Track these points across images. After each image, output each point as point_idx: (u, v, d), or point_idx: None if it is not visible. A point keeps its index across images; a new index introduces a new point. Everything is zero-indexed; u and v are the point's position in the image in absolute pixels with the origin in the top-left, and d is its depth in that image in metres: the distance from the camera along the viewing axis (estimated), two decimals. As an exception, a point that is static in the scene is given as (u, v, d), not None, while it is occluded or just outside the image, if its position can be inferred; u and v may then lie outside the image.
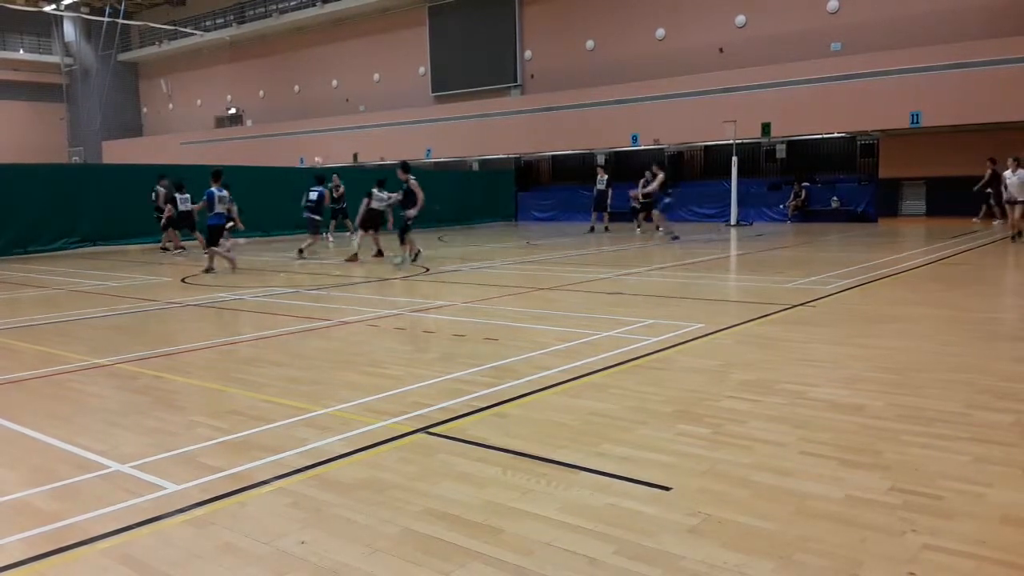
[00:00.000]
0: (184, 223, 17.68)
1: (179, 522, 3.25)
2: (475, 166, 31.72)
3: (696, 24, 26.45)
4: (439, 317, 8.35)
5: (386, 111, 33.05)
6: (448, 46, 32.45)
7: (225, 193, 13.37)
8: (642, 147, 26.29)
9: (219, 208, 13.26)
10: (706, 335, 6.91)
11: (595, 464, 3.78)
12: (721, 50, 25.74)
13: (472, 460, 3.90)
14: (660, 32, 27.25)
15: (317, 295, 10.56)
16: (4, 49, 42.10)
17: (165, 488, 3.60)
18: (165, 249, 18.61)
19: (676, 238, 18.29)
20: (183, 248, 18.27)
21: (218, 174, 13.47)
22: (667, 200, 19.63)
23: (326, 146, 33.54)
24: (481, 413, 4.70)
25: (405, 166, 13.79)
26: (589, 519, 3.16)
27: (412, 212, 13.54)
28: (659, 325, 7.42)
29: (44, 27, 43.13)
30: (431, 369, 5.90)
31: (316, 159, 32.90)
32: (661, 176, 19.09)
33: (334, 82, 36.59)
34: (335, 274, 13.13)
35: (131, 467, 3.88)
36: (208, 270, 13.25)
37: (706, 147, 26.87)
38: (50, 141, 42.97)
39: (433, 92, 33.07)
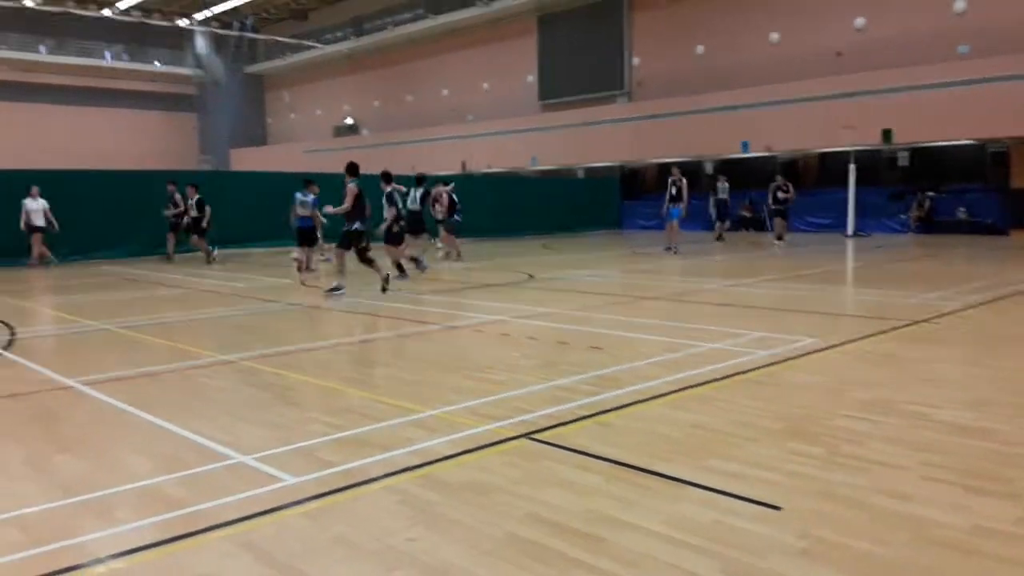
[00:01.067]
0: (194, 229, 17.40)
1: (296, 513, 3.42)
2: (580, 173, 31.72)
3: (812, 27, 25.55)
4: (543, 324, 8.41)
5: (494, 119, 33.54)
6: (556, 54, 32.65)
7: (309, 198, 14.07)
8: (753, 154, 25.58)
9: (301, 212, 14.17)
10: (820, 350, 6.66)
11: (701, 478, 3.72)
12: (839, 54, 24.75)
13: (575, 468, 3.91)
14: (774, 36, 26.47)
15: (426, 300, 10.82)
16: (142, 61, 45.26)
17: (284, 480, 3.79)
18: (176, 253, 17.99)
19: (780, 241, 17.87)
20: (212, 256, 17.43)
21: (309, 182, 14.26)
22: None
23: (436, 155, 34.37)
24: (584, 421, 4.71)
25: (387, 176, 13.09)
26: (694, 534, 3.12)
27: (336, 215, 11.85)
28: (770, 339, 7.20)
29: (178, 41, 46.11)
30: (535, 375, 5.96)
31: (414, 168, 33.75)
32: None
33: (444, 91, 37.43)
34: (445, 279, 13.41)
35: (253, 459, 4.11)
36: (306, 269, 13.84)
37: (822, 154, 25.89)
38: (182, 148, 45.85)
39: (540, 100, 33.32)
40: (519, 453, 4.18)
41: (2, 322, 9.03)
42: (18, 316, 9.63)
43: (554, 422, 4.68)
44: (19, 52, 40.67)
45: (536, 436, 4.42)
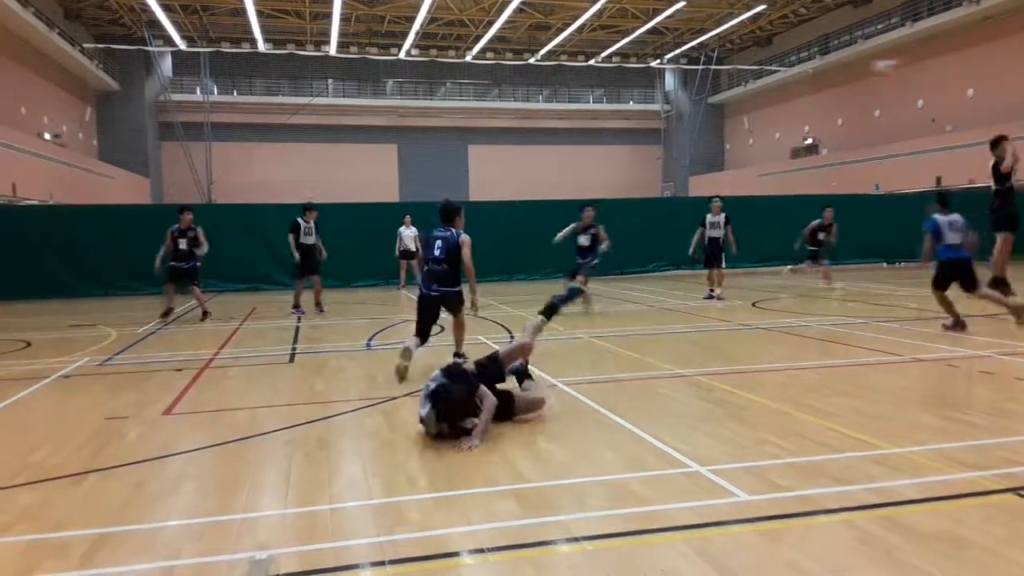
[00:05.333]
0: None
1: (749, 530, 3.50)
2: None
3: None
4: (1044, 367, 7.10)
5: (980, 128, 29.22)
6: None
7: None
8: None
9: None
10: None
11: None
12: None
13: (1084, 539, 3.28)
14: None
15: (888, 327, 9.95)
16: (618, 102, 49.99)
17: (737, 496, 3.90)
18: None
19: None
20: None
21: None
22: None
23: (903, 170, 31.24)
24: (1100, 487, 3.90)
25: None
26: None
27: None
28: None
29: (649, 80, 49.85)
30: (1030, 425, 5.10)
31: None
32: None
33: (919, 103, 33.88)
34: (910, 307, 12.16)
35: (708, 470, 4.31)
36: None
37: None
38: (646, 178, 49.28)
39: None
40: (1004, 509, 3.66)
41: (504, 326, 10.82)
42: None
43: (1055, 482, 3.97)
44: (522, 103, 48.24)
45: (1028, 494, 3.81)
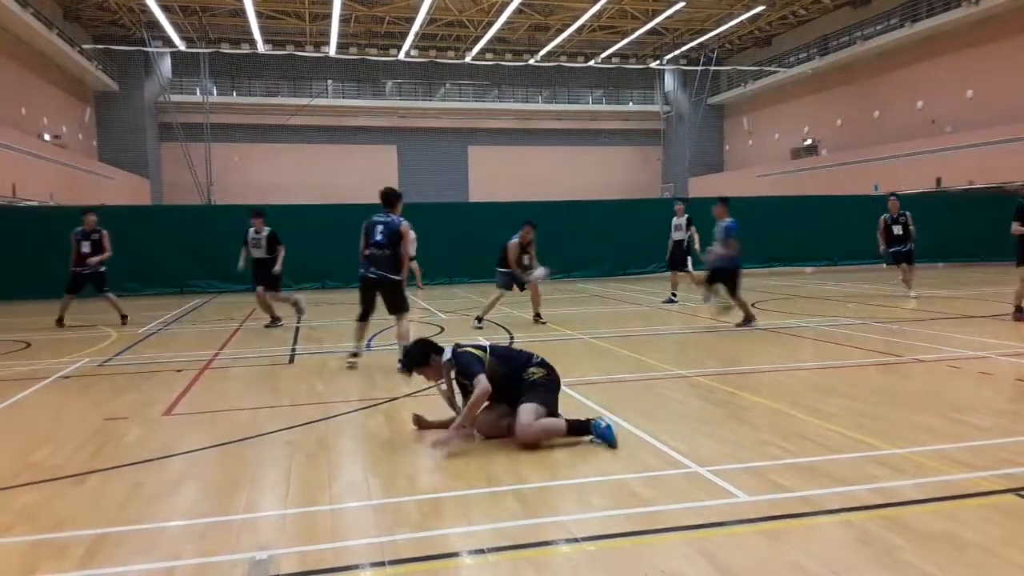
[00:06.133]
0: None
1: (750, 531, 3.50)
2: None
3: None
4: (1044, 368, 7.11)
5: (980, 129, 29.25)
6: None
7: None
8: None
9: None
10: None
11: None
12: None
13: (1085, 540, 3.28)
14: None
15: (887, 328, 9.96)
16: (618, 103, 50.00)
17: (737, 496, 3.90)
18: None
19: None
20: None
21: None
22: None
23: (903, 171, 31.28)
24: (1100, 487, 3.90)
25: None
26: None
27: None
28: None
29: (648, 81, 49.84)
30: (1030, 426, 5.10)
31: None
32: None
33: (919, 103, 33.92)
34: (907, 308, 12.18)
35: (708, 470, 4.31)
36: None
37: None
38: (645, 180, 49.27)
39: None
40: (1003, 510, 3.66)
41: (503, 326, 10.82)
42: (511, 325, 11.43)
43: (1055, 482, 3.97)
44: (522, 104, 48.21)
45: (1027, 494, 3.82)
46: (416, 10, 34.39)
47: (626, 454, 4.71)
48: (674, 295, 14.26)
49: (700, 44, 43.58)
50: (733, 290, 10.39)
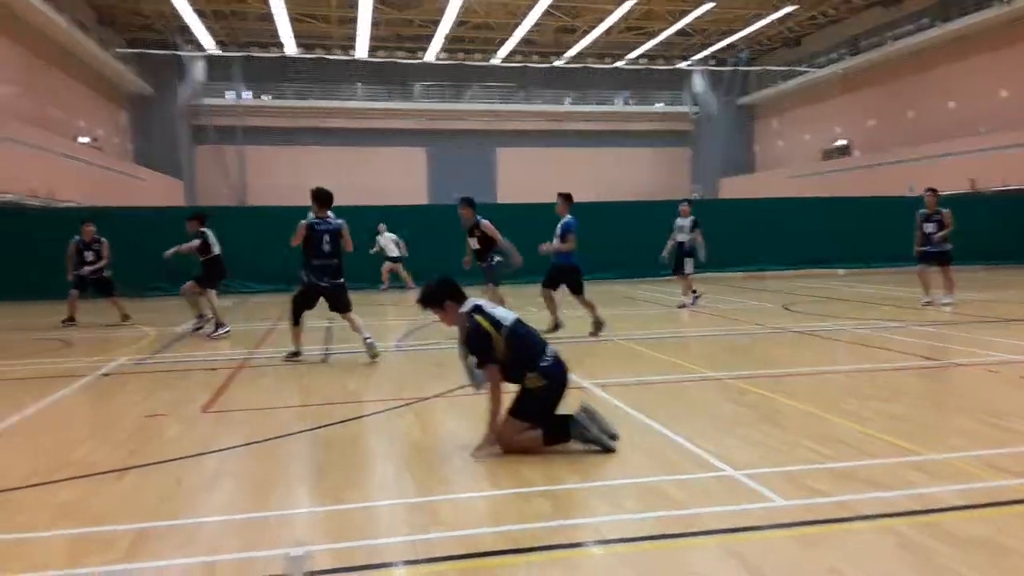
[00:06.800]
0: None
1: (785, 535, 3.46)
2: None
3: None
4: (1086, 373, 6.95)
5: (1013, 130, 28.77)
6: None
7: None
8: None
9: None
10: None
11: None
12: None
13: None
14: None
15: (924, 332, 9.81)
16: (646, 104, 49.81)
17: (772, 500, 3.87)
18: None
19: None
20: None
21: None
22: None
23: (937, 172, 30.80)
24: None
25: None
26: None
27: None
28: None
29: (676, 82, 49.58)
30: (1073, 432, 4.99)
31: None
32: None
33: (951, 104, 33.40)
34: (945, 311, 11.96)
35: (742, 474, 4.27)
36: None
37: None
38: (673, 181, 49.00)
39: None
40: (1049, 518, 3.59)
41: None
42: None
43: (1100, 489, 3.89)
44: (550, 105, 48.22)
45: (1072, 502, 3.74)
46: (443, 13, 34.56)
47: (658, 456, 4.69)
48: (695, 291, 13.95)
49: (729, 45, 43.27)
50: (577, 291, 9.93)
